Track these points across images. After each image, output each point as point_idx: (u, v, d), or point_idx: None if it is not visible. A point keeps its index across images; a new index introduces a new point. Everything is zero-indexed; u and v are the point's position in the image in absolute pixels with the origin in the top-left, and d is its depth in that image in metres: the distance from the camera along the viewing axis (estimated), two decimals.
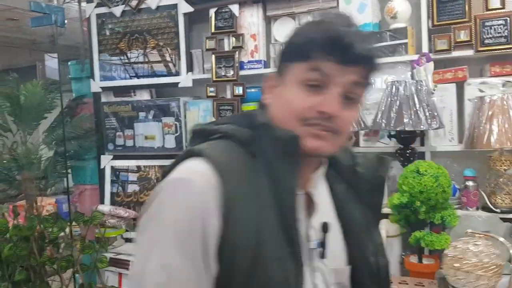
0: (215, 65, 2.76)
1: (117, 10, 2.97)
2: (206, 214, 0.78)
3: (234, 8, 2.70)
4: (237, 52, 2.70)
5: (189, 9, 2.81)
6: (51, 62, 4.94)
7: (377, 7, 2.48)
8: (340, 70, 0.84)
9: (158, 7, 2.90)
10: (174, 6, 2.85)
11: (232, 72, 2.72)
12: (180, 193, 0.80)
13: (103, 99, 3.14)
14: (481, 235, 1.74)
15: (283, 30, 2.68)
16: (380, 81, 2.42)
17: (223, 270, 0.80)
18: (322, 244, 0.90)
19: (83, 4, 3.19)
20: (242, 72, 2.72)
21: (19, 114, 3.08)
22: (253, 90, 2.74)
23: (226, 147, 0.87)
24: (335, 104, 0.84)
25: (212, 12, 2.76)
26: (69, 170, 3.37)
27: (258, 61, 2.69)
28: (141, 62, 3.00)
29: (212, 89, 2.79)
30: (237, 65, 2.70)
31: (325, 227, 0.91)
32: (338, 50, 0.82)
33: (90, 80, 3.13)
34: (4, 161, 3.54)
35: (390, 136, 2.31)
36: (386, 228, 2.17)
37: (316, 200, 0.93)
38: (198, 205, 0.79)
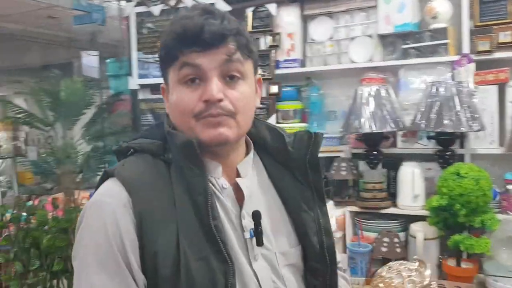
0: None
1: (156, 9, 3.02)
2: (121, 231, 0.83)
3: (272, 7, 2.71)
4: (273, 51, 2.71)
5: (227, 8, 2.82)
6: (88, 60, 5.05)
7: (417, 7, 2.45)
8: (204, 56, 0.87)
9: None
10: (211, 5, 2.87)
11: (268, 71, 2.73)
12: (94, 217, 0.86)
13: (140, 96, 3.19)
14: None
15: (320, 29, 2.67)
16: (418, 82, 2.39)
17: (149, 280, 0.84)
18: (256, 232, 0.92)
19: (122, 3, 3.25)
20: (278, 71, 2.72)
21: (59, 109, 3.17)
22: (288, 89, 2.75)
23: (139, 162, 0.92)
24: (214, 88, 0.87)
25: (249, 11, 2.77)
26: (106, 165, 3.44)
27: (294, 60, 2.70)
28: None
29: None
30: (273, 64, 2.71)
31: (255, 216, 0.92)
32: (192, 39, 0.86)
33: (128, 77, 3.19)
34: (44, 155, 3.65)
35: (429, 138, 2.29)
36: (424, 230, 2.15)
37: (244, 190, 0.95)
38: (111, 224, 0.84)
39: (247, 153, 1.01)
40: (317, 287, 1.00)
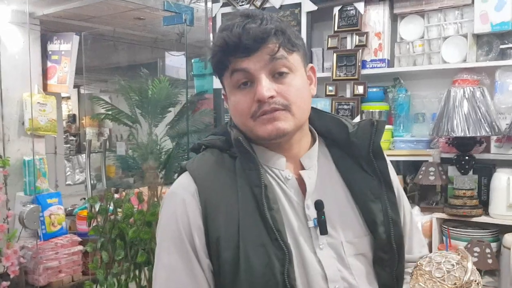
0: (336, 64, 2.74)
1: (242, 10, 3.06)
2: (189, 218, 0.94)
3: (360, 5, 2.66)
4: (359, 51, 2.66)
5: (313, 7, 2.81)
6: (173, 60, 5.22)
7: None
8: (249, 60, 0.93)
9: (281, 6, 2.94)
10: (298, 5, 2.88)
11: (353, 71, 2.68)
12: (167, 206, 0.98)
13: None
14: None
15: (411, 28, 2.59)
16: None
17: (213, 263, 0.93)
18: (320, 221, 0.95)
19: (209, 4, 3.32)
20: (363, 71, 2.67)
21: (147, 107, 3.30)
22: (374, 89, 2.68)
23: (207, 156, 1.01)
24: (263, 88, 0.92)
25: (336, 10, 2.74)
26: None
27: (382, 60, 2.63)
28: None
29: (331, 87, 2.77)
30: (359, 63, 2.66)
31: (318, 205, 0.96)
32: (234, 47, 0.92)
33: (212, 77, 3.25)
34: (130, 150, 3.81)
35: None
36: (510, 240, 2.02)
37: (307, 181, 0.99)
38: (181, 212, 0.95)
39: (312, 144, 1.05)
40: (385, 277, 1.00)
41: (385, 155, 1.04)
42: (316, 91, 1.06)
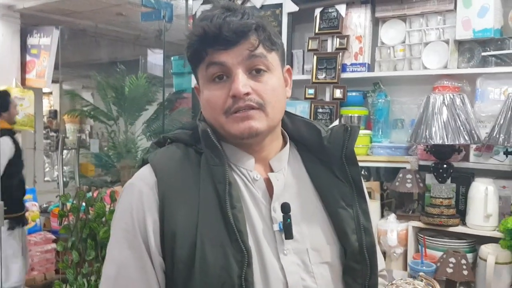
0: (316, 67, 2.68)
1: None
2: (144, 211, 0.89)
3: (341, 8, 2.61)
4: (340, 54, 2.61)
5: (294, 8, 2.76)
6: (153, 57, 5.14)
7: (500, 12, 2.27)
8: (228, 53, 0.89)
9: (262, 6, 2.88)
10: (279, 5, 2.82)
11: (333, 74, 2.63)
12: (124, 197, 0.94)
13: None
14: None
15: (392, 33, 2.54)
16: (498, 92, 2.22)
17: (166, 261, 0.88)
18: (285, 225, 0.91)
19: (189, 1, 3.25)
20: (343, 75, 2.62)
21: (123, 104, 3.22)
22: (354, 94, 2.63)
23: (171, 150, 0.97)
24: (240, 83, 0.88)
25: (317, 12, 2.69)
26: None
27: (362, 64, 2.58)
28: None
29: (311, 90, 2.71)
30: (339, 67, 2.61)
31: (284, 208, 0.92)
32: (213, 39, 0.88)
33: (191, 75, 3.18)
34: (105, 148, 3.72)
35: (506, 153, 2.11)
36: (496, 254, 1.98)
37: (275, 183, 0.95)
38: (137, 204, 0.90)
39: (283, 147, 1.02)
40: None
41: (357, 162, 1.00)
42: (291, 93, 1.02)
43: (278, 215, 0.93)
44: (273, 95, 0.93)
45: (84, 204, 3.10)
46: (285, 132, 1.04)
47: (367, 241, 0.96)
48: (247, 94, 0.89)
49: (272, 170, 0.98)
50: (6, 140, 3.52)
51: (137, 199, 0.90)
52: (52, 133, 9.13)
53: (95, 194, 3.22)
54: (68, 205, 3.19)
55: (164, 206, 0.89)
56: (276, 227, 0.92)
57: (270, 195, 0.95)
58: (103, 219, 3.06)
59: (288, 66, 1.02)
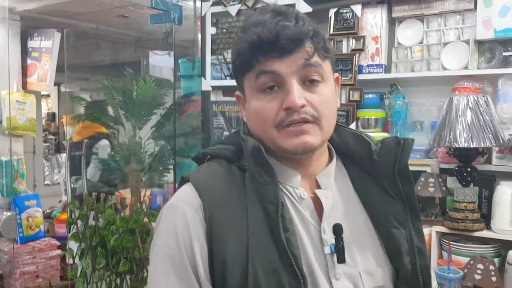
0: None
1: (233, 9, 2.93)
2: (191, 236, 0.83)
3: (357, 8, 2.55)
4: (356, 55, 2.55)
5: (308, 9, 2.70)
6: (154, 59, 5.07)
7: None
8: (282, 62, 0.83)
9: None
10: (292, 6, 2.76)
11: (349, 76, 2.57)
12: (167, 220, 0.87)
13: (213, 98, 3.12)
14: None
15: (409, 33, 2.49)
16: None
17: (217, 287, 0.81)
18: (337, 248, 0.85)
19: (198, 2, 3.19)
20: (360, 77, 2.56)
21: (131, 108, 3.14)
22: (371, 96, 2.58)
23: (213, 167, 0.90)
24: (295, 95, 0.82)
25: (332, 12, 2.63)
26: (172, 166, 3.39)
27: (379, 65, 2.52)
28: None
29: None
30: (355, 68, 2.55)
31: (336, 229, 0.86)
32: (268, 46, 0.82)
33: (201, 78, 3.12)
34: (113, 153, 3.65)
35: None
36: None
37: (324, 201, 0.89)
38: (182, 228, 0.83)
39: (329, 161, 0.95)
40: None
41: (411, 178, 0.93)
42: (339, 103, 0.95)
43: (329, 237, 0.87)
44: (328, 107, 0.87)
45: (93, 211, 3.04)
46: (330, 145, 0.98)
47: (421, 263, 0.91)
48: (302, 106, 0.83)
49: (319, 187, 0.92)
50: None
51: (182, 223, 0.84)
52: (50, 136, 9.04)
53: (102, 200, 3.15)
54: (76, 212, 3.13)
55: (211, 230, 0.82)
56: (327, 250, 0.86)
57: (318, 215, 0.89)
58: (113, 226, 3.00)
59: (337, 75, 0.96)
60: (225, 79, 3.03)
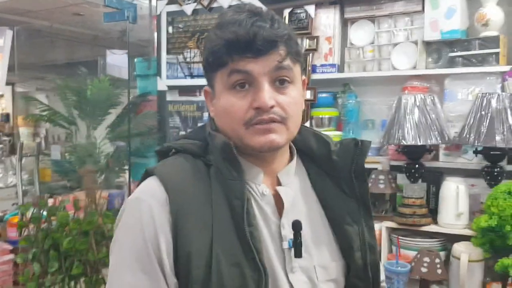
0: None
1: (189, 9, 2.92)
2: (156, 230, 0.83)
3: (310, 9, 2.59)
4: (310, 55, 2.59)
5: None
6: (113, 58, 4.99)
7: (466, 13, 2.31)
8: (256, 63, 0.85)
9: (230, 6, 2.82)
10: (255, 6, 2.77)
11: (303, 76, 2.60)
12: (131, 214, 0.86)
13: (168, 97, 3.10)
14: None
15: (360, 34, 2.55)
16: (465, 92, 2.26)
17: (181, 283, 0.83)
18: (295, 243, 0.88)
19: (153, 1, 3.17)
20: (314, 76, 2.61)
21: (85, 108, 3.09)
22: (324, 95, 2.62)
23: (179, 161, 0.91)
24: (265, 95, 0.84)
25: (286, 12, 2.66)
26: (127, 167, 3.35)
27: (332, 65, 2.57)
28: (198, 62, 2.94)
29: None
30: (309, 68, 2.59)
31: (295, 226, 0.89)
32: (244, 46, 0.83)
33: (156, 77, 3.10)
34: (66, 154, 3.58)
35: (475, 152, 2.14)
36: (469, 252, 2.00)
37: (285, 198, 0.92)
38: (148, 223, 0.83)
39: (290, 160, 0.98)
40: None
41: (367, 178, 0.98)
42: (304, 105, 0.98)
43: (287, 232, 0.90)
44: (295, 108, 0.90)
45: (45, 213, 2.96)
46: (291, 144, 1.00)
47: (371, 258, 0.95)
48: (272, 107, 0.86)
49: (279, 184, 0.95)
50: None
51: (147, 216, 0.84)
52: (4, 138, 8.75)
53: (56, 202, 3.07)
54: (29, 213, 3.04)
55: (177, 224, 0.83)
56: (285, 244, 0.89)
57: (278, 211, 0.92)
58: (66, 228, 2.93)
59: (304, 77, 0.98)
60: (185, 78, 3.02)
